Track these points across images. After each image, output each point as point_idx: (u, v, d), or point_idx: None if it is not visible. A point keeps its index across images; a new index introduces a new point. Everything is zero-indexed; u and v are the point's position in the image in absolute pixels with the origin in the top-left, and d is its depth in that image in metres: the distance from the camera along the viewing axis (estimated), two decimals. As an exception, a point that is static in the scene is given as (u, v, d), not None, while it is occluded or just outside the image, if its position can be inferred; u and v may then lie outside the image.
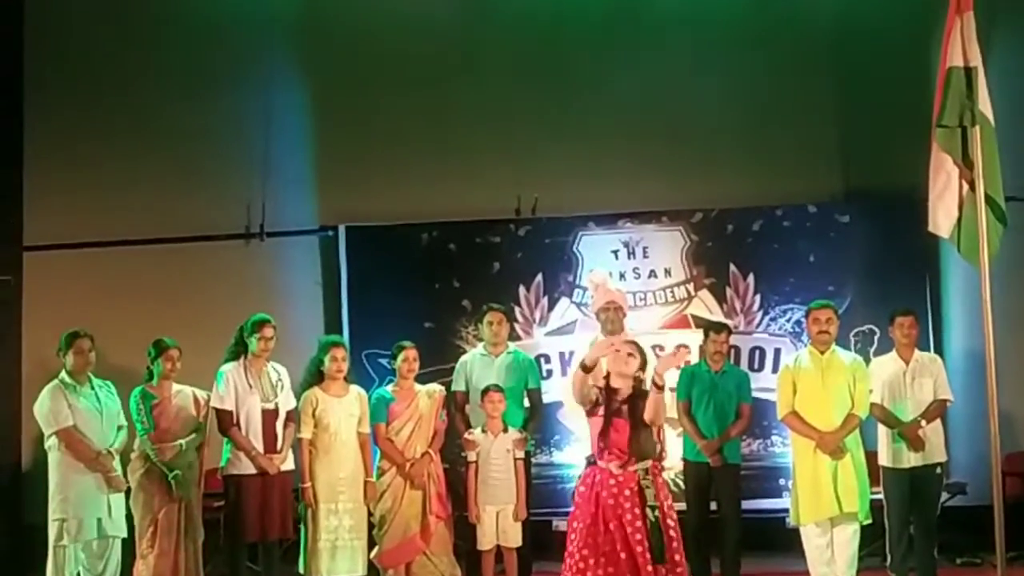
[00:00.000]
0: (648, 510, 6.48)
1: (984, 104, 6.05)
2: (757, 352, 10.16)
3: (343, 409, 8.19)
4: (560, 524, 9.99)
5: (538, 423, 8.98)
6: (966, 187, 6.08)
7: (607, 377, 6.87)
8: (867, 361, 8.53)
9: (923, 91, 9.06)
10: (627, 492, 6.59)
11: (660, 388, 6.66)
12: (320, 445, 8.14)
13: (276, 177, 10.76)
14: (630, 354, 6.81)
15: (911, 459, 8.18)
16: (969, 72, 6.12)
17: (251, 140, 10.79)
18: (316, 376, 8.25)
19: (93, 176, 10.77)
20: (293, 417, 8.16)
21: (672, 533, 6.59)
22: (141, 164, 10.73)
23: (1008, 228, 6.45)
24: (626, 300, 8.66)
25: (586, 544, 6.55)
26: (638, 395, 6.77)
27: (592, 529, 6.56)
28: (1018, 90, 9.55)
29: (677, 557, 6.57)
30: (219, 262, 10.73)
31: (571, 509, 6.98)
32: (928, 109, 6.64)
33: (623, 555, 6.45)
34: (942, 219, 6.19)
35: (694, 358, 9.36)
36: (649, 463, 6.69)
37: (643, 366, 6.87)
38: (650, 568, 6.43)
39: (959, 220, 6.12)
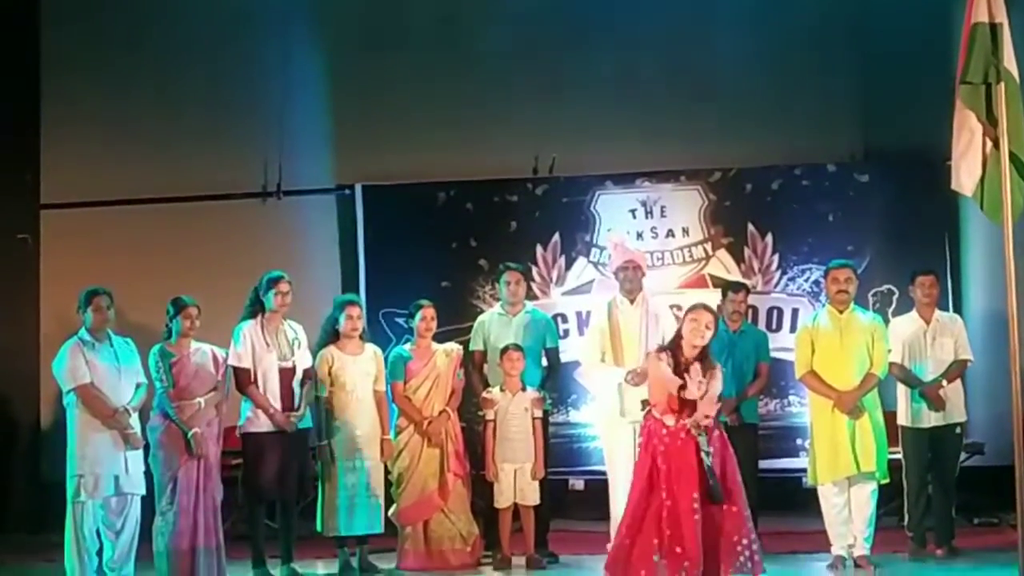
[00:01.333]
0: (703, 455, 6.46)
1: (1009, 60, 5.97)
2: (775, 312, 10.15)
3: (359, 367, 8.19)
4: (576, 483, 10.07)
5: (556, 382, 8.97)
6: (990, 145, 6.01)
7: (679, 339, 6.73)
8: (885, 322, 8.51)
9: (943, 49, 9.01)
10: (681, 437, 6.53)
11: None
12: (337, 403, 8.15)
13: (293, 136, 10.75)
14: (707, 326, 6.65)
15: (931, 419, 8.18)
16: (994, 28, 6.04)
17: (268, 99, 10.79)
18: (332, 335, 8.24)
19: (110, 134, 10.79)
20: (310, 375, 8.16)
21: (730, 475, 6.55)
22: (158, 122, 10.75)
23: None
24: (645, 259, 8.60)
25: (642, 497, 6.53)
26: (703, 358, 6.66)
27: (648, 483, 6.53)
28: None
29: (735, 508, 6.51)
30: (236, 221, 10.75)
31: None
32: (949, 67, 6.57)
33: (669, 503, 6.43)
34: (965, 177, 6.11)
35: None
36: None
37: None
38: (696, 507, 6.41)
39: (982, 178, 6.06)
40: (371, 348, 8.35)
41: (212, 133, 10.72)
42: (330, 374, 8.15)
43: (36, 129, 10.88)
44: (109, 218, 10.75)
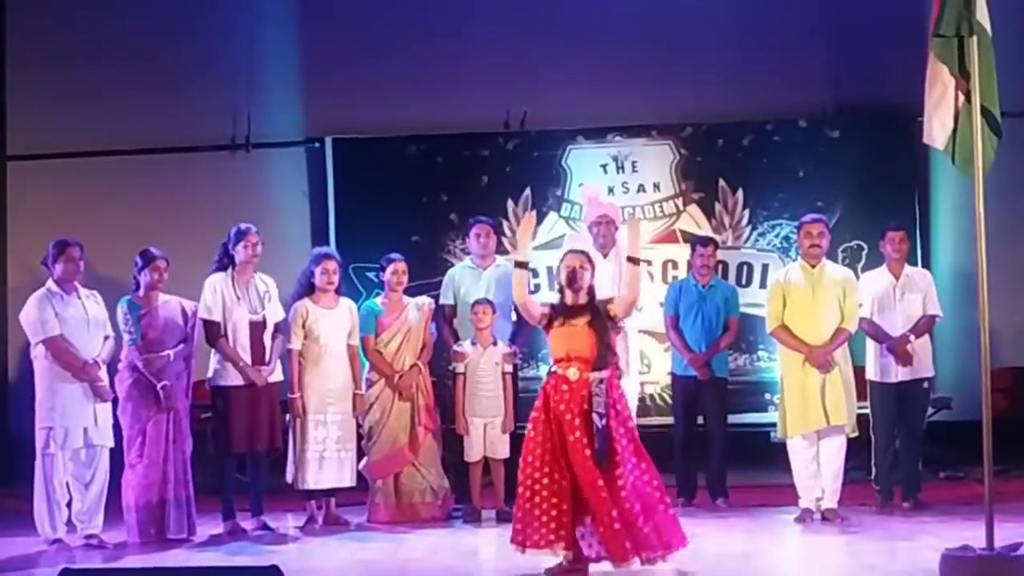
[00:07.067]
0: (595, 416, 6.32)
1: (982, 14, 5.96)
2: (745, 267, 10.18)
3: (333, 321, 8.18)
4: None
5: (526, 337, 8.96)
6: (962, 98, 6.01)
7: (561, 290, 6.66)
8: (855, 277, 8.53)
9: (915, 5, 9.02)
10: (580, 396, 6.36)
11: (636, 262, 6.66)
12: (310, 356, 8.14)
13: (262, 88, 10.69)
14: (581, 266, 6.58)
15: (899, 373, 8.24)
16: (967, -19, 6.04)
17: (237, 51, 10.71)
18: (307, 288, 8.22)
19: (78, 86, 10.71)
20: (281, 328, 8.14)
21: (624, 442, 6.35)
22: (126, 74, 10.66)
23: (999, 145, 6.39)
24: (619, 214, 8.59)
25: (537, 456, 6.41)
26: (593, 304, 6.56)
27: (545, 436, 6.39)
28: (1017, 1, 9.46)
29: (619, 472, 6.27)
30: (205, 173, 10.69)
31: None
32: (919, 23, 6.57)
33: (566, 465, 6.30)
34: (937, 131, 6.10)
35: (681, 273, 9.37)
36: (605, 374, 6.42)
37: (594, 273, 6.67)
38: (596, 474, 6.25)
39: (954, 132, 6.06)
40: (346, 302, 8.34)
41: (181, 85, 10.62)
42: (304, 327, 8.13)
43: (2, 80, 10.77)
44: (77, 170, 10.67)
